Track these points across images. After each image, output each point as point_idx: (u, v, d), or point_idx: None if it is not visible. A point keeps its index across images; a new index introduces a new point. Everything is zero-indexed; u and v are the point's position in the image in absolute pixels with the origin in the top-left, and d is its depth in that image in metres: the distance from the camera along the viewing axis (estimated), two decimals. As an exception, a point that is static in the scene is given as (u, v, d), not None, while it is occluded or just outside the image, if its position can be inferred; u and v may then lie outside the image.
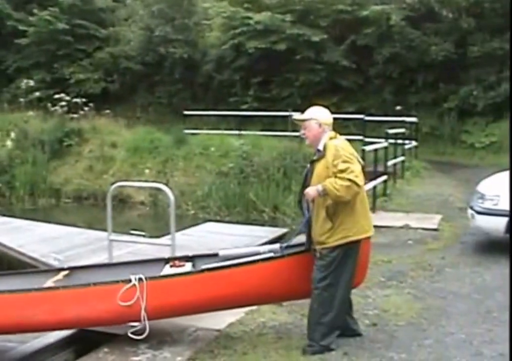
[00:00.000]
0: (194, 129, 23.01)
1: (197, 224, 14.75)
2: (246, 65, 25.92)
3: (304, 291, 6.69)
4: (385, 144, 16.37)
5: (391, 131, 17.90)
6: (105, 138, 23.23)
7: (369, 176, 13.78)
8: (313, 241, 6.52)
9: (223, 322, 7.50)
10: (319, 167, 6.41)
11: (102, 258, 9.97)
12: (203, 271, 7.02)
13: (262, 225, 15.54)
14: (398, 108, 23.74)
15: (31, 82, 27.33)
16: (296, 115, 6.93)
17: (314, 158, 6.55)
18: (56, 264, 9.73)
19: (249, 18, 25.45)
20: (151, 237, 10.65)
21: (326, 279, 6.38)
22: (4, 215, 15.90)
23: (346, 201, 6.23)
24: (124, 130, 24.15)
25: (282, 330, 7.20)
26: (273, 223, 16.71)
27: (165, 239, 9.73)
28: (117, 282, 6.86)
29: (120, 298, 6.70)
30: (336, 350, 6.41)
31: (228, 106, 24.57)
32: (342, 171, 6.20)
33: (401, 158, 18.87)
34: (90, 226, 14.08)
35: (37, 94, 26.67)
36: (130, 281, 6.74)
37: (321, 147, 6.50)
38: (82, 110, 24.49)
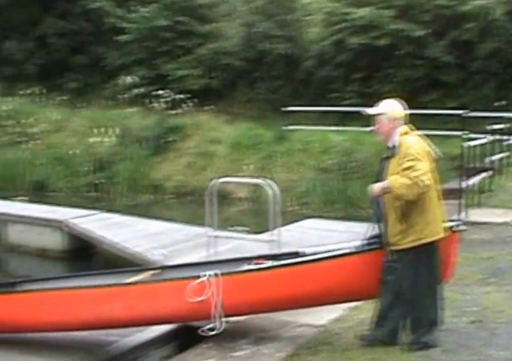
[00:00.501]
0: (294, 125, 22.94)
1: (298, 220, 14.69)
2: (346, 61, 25.70)
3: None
4: (487, 140, 16.01)
5: (492, 127, 17.49)
6: (206, 134, 23.41)
7: (471, 172, 13.53)
8: (386, 241, 6.37)
9: (322, 318, 7.44)
10: (393, 164, 6.24)
11: (202, 254, 9.99)
12: (279, 266, 6.94)
13: (363, 221, 15.38)
14: (499, 103, 23.19)
15: (132, 79, 27.69)
16: (369, 110, 6.66)
17: (388, 155, 6.37)
18: (161, 259, 9.82)
19: (350, 13, 25.24)
20: (253, 233, 10.63)
21: (404, 281, 6.24)
22: (106, 210, 16.16)
23: (409, 200, 6.05)
24: (225, 126, 24.27)
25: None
26: (373, 219, 16.49)
27: (266, 235, 9.68)
28: (189, 277, 6.84)
29: (191, 294, 6.68)
30: (436, 347, 6.25)
31: (328, 101, 24.40)
32: (405, 169, 6.04)
33: (504, 154, 18.42)
34: (190, 222, 14.16)
35: (138, 90, 26.99)
36: (202, 276, 6.70)
37: (393, 143, 6.31)
38: (183, 106, 24.72)
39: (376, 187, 6.23)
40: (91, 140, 24.14)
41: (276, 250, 8.40)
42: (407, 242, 6.17)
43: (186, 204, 20.72)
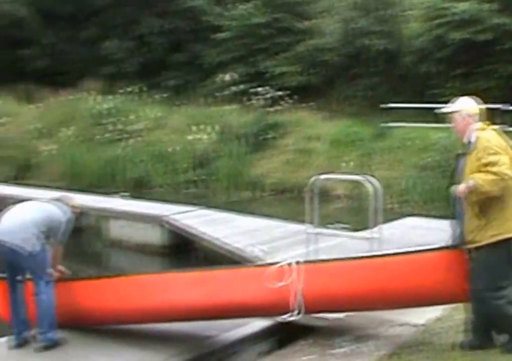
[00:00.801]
0: (393, 121, 22.69)
1: (398, 218, 14.56)
2: (446, 57, 25.24)
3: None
4: None
5: None
6: (305, 131, 23.37)
7: None
8: (464, 240, 6.23)
9: (422, 317, 7.35)
10: (470, 160, 6.14)
11: (300, 251, 9.98)
12: (368, 256, 6.79)
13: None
14: None
15: (231, 76, 27.86)
16: (443, 108, 6.63)
17: (464, 151, 6.28)
18: (261, 255, 9.84)
19: (450, 8, 24.76)
20: (353, 230, 10.56)
21: (485, 281, 6.07)
22: (205, 207, 16.32)
23: (495, 195, 5.93)
24: (324, 123, 24.18)
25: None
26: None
27: (366, 233, 9.61)
28: (269, 264, 6.75)
29: (269, 280, 6.53)
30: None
31: (428, 98, 24.00)
32: (486, 164, 5.95)
33: None
34: (288, 219, 14.16)
35: (237, 87, 27.12)
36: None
37: (469, 139, 6.24)
38: (282, 103, 24.74)
39: (461, 188, 6.09)
40: (190, 137, 24.37)
41: (377, 248, 8.33)
42: (485, 238, 6.04)
43: (285, 201, 20.72)
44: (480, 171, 5.97)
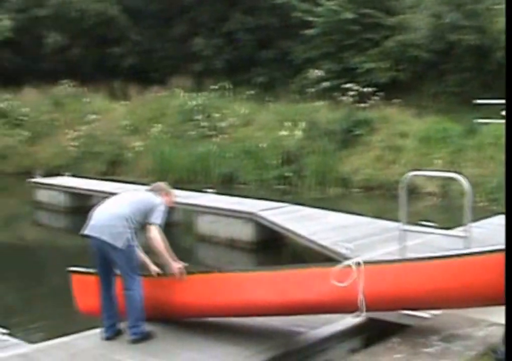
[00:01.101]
0: (485, 118, 22.31)
1: (488, 216, 14.31)
2: (541, 51, 24.76)
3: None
4: None
5: None
6: (394, 127, 23.19)
7: None
8: None
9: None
10: None
11: (390, 249, 9.91)
12: (428, 258, 6.74)
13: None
14: None
15: (320, 73, 27.79)
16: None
17: None
18: (347, 253, 9.80)
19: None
20: (442, 228, 10.42)
21: None
22: (293, 203, 16.32)
23: None
24: (413, 120, 23.95)
25: None
26: None
27: (458, 231, 9.48)
28: (334, 264, 6.78)
29: (335, 278, 6.60)
30: None
31: (522, 93, 23.56)
32: None
33: None
34: (378, 216, 14.06)
35: (325, 84, 27.06)
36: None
37: None
38: (371, 99, 24.58)
39: None
40: (279, 133, 24.44)
41: (465, 246, 8.20)
42: None
43: (374, 198, 20.63)
44: None
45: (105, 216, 7.26)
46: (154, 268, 7.62)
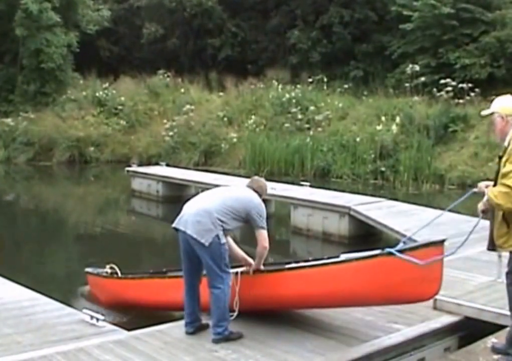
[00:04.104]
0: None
1: None
2: None
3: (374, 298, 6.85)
4: None
5: None
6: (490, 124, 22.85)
7: None
8: (495, 243, 6.10)
9: None
10: (502, 165, 5.89)
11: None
12: (278, 270, 7.57)
13: None
14: None
15: (417, 68, 27.54)
16: (483, 111, 6.37)
17: (500, 154, 5.98)
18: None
19: None
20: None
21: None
22: (388, 198, 16.27)
23: (509, 209, 5.69)
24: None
25: None
26: None
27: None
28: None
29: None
30: None
31: None
32: (504, 175, 5.70)
33: None
34: (474, 214, 13.87)
35: (422, 79, 26.80)
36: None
37: (505, 143, 5.93)
38: (468, 95, 24.25)
39: (479, 205, 6.06)
40: (375, 128, 24.36)
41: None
42: (510, 245, 5.90)
43: (470, 196, 20.36)
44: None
45: (194, 210, 7.14)
46: (251, 261, 7.64)
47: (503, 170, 5.85)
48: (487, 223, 6.27)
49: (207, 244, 6.92)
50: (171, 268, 9.29)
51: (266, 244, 7.25)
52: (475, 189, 6.47)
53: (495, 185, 6.09)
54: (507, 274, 6.23)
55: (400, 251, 6.57)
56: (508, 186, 5.74)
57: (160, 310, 9.08)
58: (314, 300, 7.25)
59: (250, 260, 7.63)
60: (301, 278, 7.26)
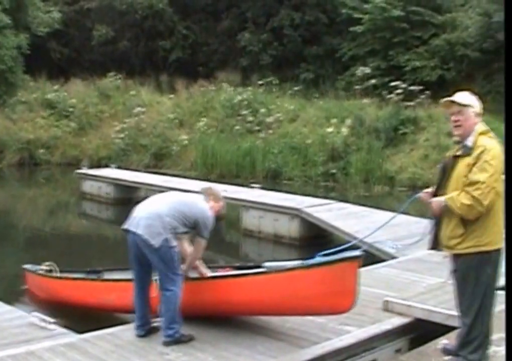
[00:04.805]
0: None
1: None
2: None
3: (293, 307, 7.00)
4: None
5: None
6: (440, 126, 23.01)
7: None
8: (440, 243, 6.01)
9: None
10: (461, 166, 5.78)
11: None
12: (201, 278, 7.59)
13: None
14: None
15: (367, 70, 27.71)
16: (458, 98, 5.95)
17: (459, 153, 5.85)
18: (394, 252, 9.80)
19: None
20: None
21: (459, 288, 6.00)
22: (338, 200, 16.32)
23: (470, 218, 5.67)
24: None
25: None
26: None
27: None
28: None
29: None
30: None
31: None
32: (470, 184, 5.61)
33: None
34: (424, 215, 13.98)
35: (372, 81, 26.98)
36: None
37: (469, 143, 5.78)
38: (418, 98, 24.44)
39: (436, 204, 5.89)
40: (325, 130, 24.41)
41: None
42: (466, 247, 5.81)
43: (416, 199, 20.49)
44: (462, 190, 5.71)
45: (145, 213, 7.10)
46: (205, 271, 7.70)
47: (473, 177, 5.68)
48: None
49: (156, 246, 6.87)
50: (109, 268, 9.58)
51: (200, 254, 7.39)
52: (419, 194, 6.44)
53: (440, 186, 6.06)
54: (452, 272, 6.23)
55: (317, 264, 6.71)
56: (473, 197, 5.63)
57: (94, 310, 9.16)
58: (235, 308, 7.40)
59: (204, 270, 7.72)
60: (226, 286, 7.37)
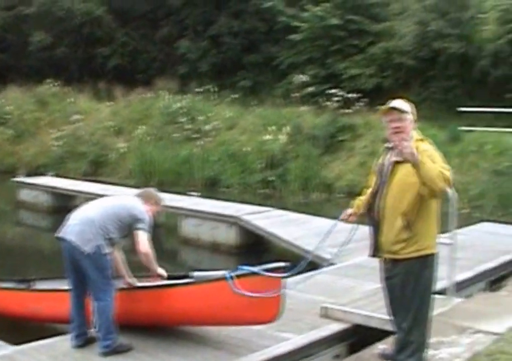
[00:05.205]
0: (469, 125, 22.45)
1: (471, 223, 14.39)
2: (524, 60, 24.87)
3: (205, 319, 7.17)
4: None
5: None
6: (378, 133, 23.21)
7: None
8: (382, 249, 6.04)
9: (503, 325, 7.24)
10: (403, 171, 5.83)
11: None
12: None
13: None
14: None
15: (304, 78, 27.85)
16: (398, 104, 6.00)
17: (399, 159, 5.84)
18: (332, 258, 9.80)
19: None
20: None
21: (399, 291, 6.03)
22: (277, 208, 16.35)
23: (433, 190, 5.59)
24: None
25: None
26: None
27: (443, 238, 9.51)
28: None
29: None
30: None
31: (505, 102, 23.65)
32: (443, 167, 5.64)
33: None
34: (361, 222, 14.06)
35: (310, 89, 27.13)
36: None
37: None
38: (355, 105, 24.63)
39: (408, 149, 5.59)
40: (263, 137, 24.45)
41: (450, 254, 8.25)
42: (410, 252, 5.87)
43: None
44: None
45: (78, 220, 7.02)
46: (131, 280, 7.60)
47: (442, 164, 5.71)
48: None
49: (88, 252, 6.78)
50: (43, 277, 9.49)
51: (143, 248, 7.06)
52: (341, 217, 6.55)
53: (377, 191, 6.08)
54: (386, 279, 6.25)
55: (238, 276, 6.77)
56: (444, 170, 5.65)
57: (25, 321, 9.05)
58: (160, 319, 7.44)
59: (129, 279, 7.63)
60: (150, 297, 7.40)
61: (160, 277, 7.60)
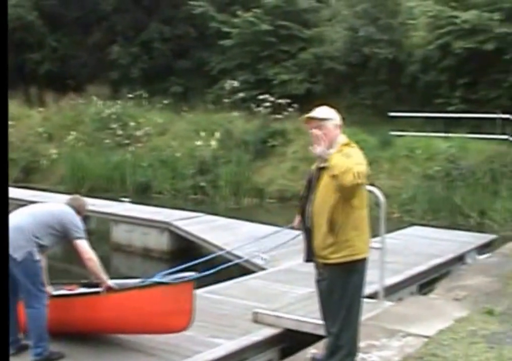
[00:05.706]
0: (399, 130, 22.70)
1: (402, 227, 14.55)
2: (452, 66, 25.14)
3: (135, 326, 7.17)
4: None
5: None
6: (309, 139, 23.32)
7: None
8: (314, 254, 6.06)
9: (433, 328, 7.31)
10: (327, 176, 5.81)
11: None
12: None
13: (469, 230, 15.10)
14: None
15: (235, 83, 27.85)
16: (317, 113, 6.10)
17: (324, 164, 5.84)
18: (263, 263, 9.81)
19: (456, 17, 24.59)
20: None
21: (331, 296, 6.04)
22: (208, 213, 16.32)
23: (343, 185, 5.53)
24: (328, 132, 24.15)
25: (494, 340, 6.90)
26: (480, 229, 16.25)
27: (373, 242, 9.58)
28: None
29: None
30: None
31: (434, 107, 23.95)
32: (356, 163, 5.60)
33: None
34: (293, 227, 14.09)
35: (241, 94, 27.12)
36: None
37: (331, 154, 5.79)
38: (286, 110, 24.71)
39: (323, 152, 5.71)
40: (194, 143, 24.42)
41: (380, 258, 8.30)
42: (339, 257, 5.87)
43: (288, 209, 20.71)
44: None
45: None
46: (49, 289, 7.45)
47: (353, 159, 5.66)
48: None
49: (19, 259, 6.67)
50: None
51: (88, 255, 7.10)
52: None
53: (307, 197, 6.09)
54: (318, 283, 6.25)
55: (152, 285, 6.94)
56: (352, 166, 5.54)
57: None
58: (78, 327, 7.43)
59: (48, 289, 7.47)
60: (66, 305, 7.39)
61: (110, 287, 7.40)
